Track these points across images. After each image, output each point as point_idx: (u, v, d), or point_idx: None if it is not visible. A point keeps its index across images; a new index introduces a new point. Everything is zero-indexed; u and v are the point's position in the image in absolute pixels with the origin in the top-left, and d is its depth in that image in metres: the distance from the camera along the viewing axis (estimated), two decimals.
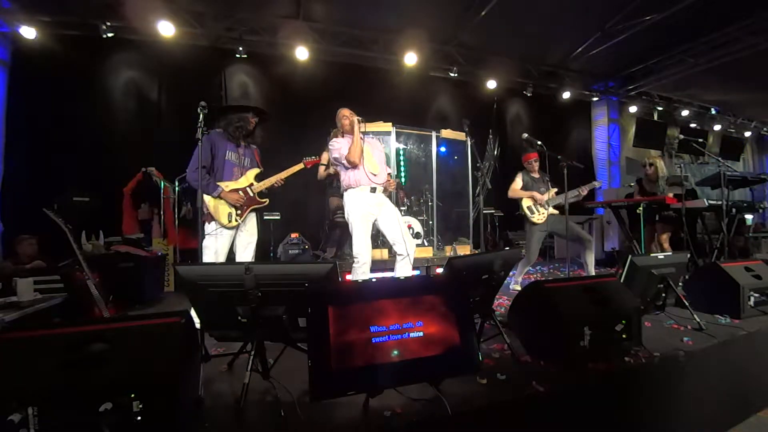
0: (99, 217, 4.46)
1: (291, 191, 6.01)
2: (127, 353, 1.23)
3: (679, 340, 2.15)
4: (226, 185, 2.82)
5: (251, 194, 2.90)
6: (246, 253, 2.91)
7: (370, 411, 1.39)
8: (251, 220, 2.96)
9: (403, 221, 3.14)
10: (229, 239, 2.86)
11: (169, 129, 5.53)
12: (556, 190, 4.00)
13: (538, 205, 3.92)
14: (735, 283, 2.57)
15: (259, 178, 2.96)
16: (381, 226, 3.09)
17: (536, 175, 4.08)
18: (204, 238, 2.73)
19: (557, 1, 5.27)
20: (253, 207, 2.92)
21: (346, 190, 3.07)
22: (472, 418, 1.43)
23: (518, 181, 4.06)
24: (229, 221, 2.81)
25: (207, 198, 2.76)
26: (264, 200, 2.97)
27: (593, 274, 3.71)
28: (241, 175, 2.91)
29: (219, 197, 2.78)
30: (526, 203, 3.95)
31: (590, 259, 3.77)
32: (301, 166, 3.12)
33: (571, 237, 3.73)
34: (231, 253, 2.92)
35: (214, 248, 2.77)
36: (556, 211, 3.95)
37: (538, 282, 2.06)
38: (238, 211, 2.84)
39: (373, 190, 3.04)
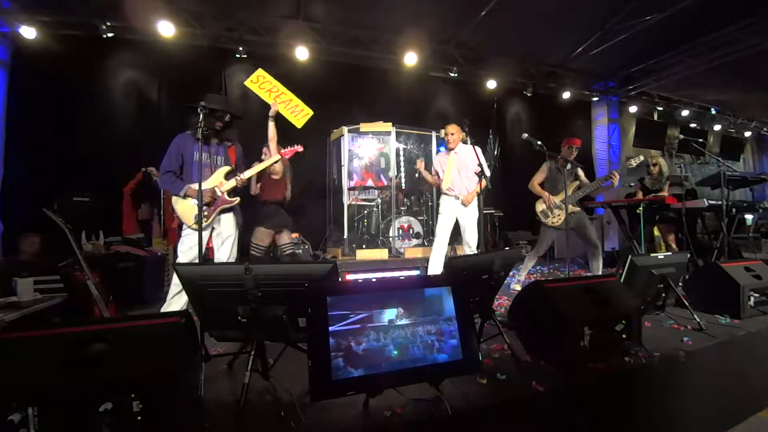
0: (99, 217, 4.45)
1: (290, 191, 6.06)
2: (127, 353, 1.23)
3: (679, 340, 2.15)
4: (195, 186, 2.62)
5: (219, 193, 2.70)
6: (221, 252, 2.76)
7: (370, 411, 1.39)
8: (226, 221, 2.78)
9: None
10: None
11: (169, 129, 5.50)
12: (577, 184, 3.75)
13: (553, 208, 3.71)
14: (735, 283, 2.57)
15: (229, 176, 2.77)
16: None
17: (567, 166, 3.74)
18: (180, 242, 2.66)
19: (557, 1, 5.27)
20: (222, 207, 2.72)
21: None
22: (472, 418, 1.42)
23: (540, 174, 3.86)
24: (196, 222, 2.58)
25: (174, 200, 2.66)
26: (234, 199, 2.77)
27: None
28: (211, 174, 2.72)
29: (186, 197, 2.66)
30: (539, 207, 3.79)
31: (596, 266, 3.68)
32: (277, 157, 2.97)
33: (581, 236, 3.69)
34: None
35: (185, 253, 2.63)
36: (577, 208, 3.71)
37: (538, 282, 2.06)
38: (205, 213, 2.65)
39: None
